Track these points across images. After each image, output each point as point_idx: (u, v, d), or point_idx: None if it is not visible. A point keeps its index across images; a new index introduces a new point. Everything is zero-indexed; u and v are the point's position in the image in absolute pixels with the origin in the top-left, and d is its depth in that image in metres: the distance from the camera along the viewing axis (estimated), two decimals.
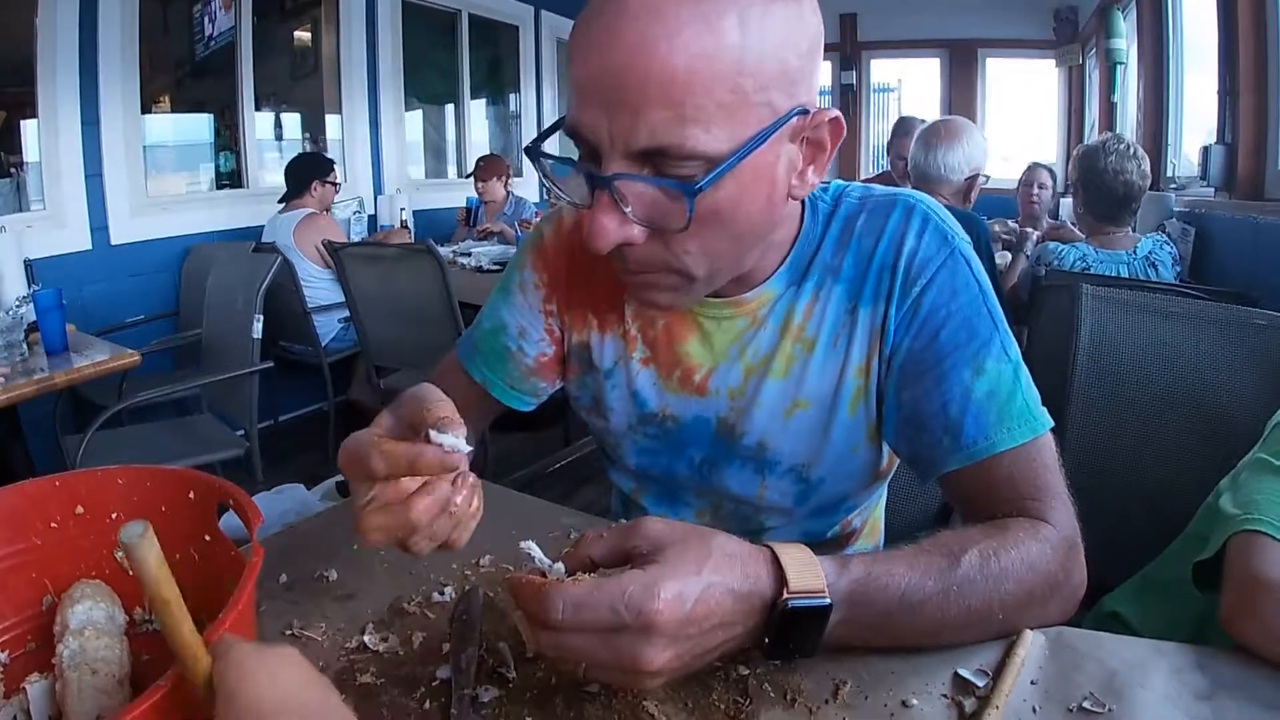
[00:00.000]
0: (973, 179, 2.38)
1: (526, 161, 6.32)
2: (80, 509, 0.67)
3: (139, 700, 0.41)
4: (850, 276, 0.78)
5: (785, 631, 0.55)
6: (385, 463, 0.56)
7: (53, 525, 0.66)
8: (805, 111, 0.63)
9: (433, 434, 0.55)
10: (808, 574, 0.55)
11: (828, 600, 0.55)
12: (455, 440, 0.55)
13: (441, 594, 0.72)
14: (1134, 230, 2.40)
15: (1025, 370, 0.74)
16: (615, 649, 0.50)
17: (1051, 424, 0.73)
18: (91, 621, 0.62)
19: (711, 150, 0.58)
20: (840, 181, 0.84)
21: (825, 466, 0.83)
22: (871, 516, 0.97)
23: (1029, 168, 3.97)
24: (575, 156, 0.65)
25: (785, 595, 0.54)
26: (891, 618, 0.59)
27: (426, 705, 0.58)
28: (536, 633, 0.52)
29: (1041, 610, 0.64)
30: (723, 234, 0.65)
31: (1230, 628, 0.64)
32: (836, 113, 0.66)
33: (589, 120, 0.60)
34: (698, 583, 0.52)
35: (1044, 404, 0.75)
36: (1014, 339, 0.75)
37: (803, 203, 0.80)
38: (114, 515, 0.67)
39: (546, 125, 0.70)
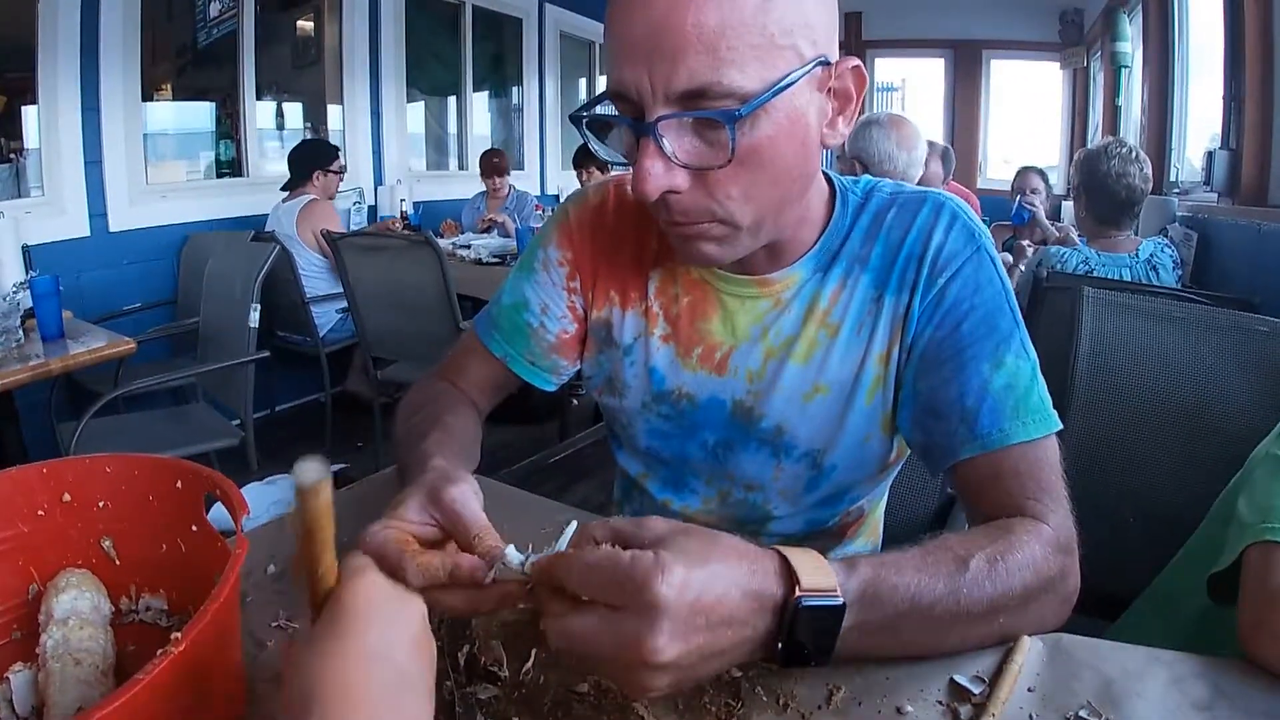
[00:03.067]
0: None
1: (528, 155, 6.34)
2: (67, 496, 0.66)
3: (119, 691, 0.40)
4: (878, 266, 0.81)
5: (798, 634, 0.53)
6: (422, 576, 0.53)
7: (40, 513, 0.65)
8: (828, 62, 0.67)
9: (509, 552, 0.53)
10: (819, 574, 0.53)
11: (840, 600, 0.53)
12: (520, 556, 0.53)
13: None
14: (1136, 234, 2.39)
15: (1040, 372, 0.75)
16: (619, 633, 0.48)
17: (1060, 426, 0.74)
18: (76, 611, 0.61)
19: (746, 88, 0.62)
20: (870, 177, 0.86)
21: (838, 453, 0.84)
22: (872, 515, 0.97)
23: (1019, 173, 3.92)
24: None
25: (798, 593, 0.52)
26: (902, 620, 0.57)
27: None
28: (547, 613, 0.50)
29: (1039, 614, 0.64)
30: (763, 176, 0.67)
31: (1248, 646, 0.61)
32: (857, 61, 0.70)
33: (631, 75, 0.63)
34: (704, 571, 0.49)
35: None
36: (1031, 340, 0.76)
37: (833, 193, 0.83)
38: (101, 504, 0.66)
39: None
